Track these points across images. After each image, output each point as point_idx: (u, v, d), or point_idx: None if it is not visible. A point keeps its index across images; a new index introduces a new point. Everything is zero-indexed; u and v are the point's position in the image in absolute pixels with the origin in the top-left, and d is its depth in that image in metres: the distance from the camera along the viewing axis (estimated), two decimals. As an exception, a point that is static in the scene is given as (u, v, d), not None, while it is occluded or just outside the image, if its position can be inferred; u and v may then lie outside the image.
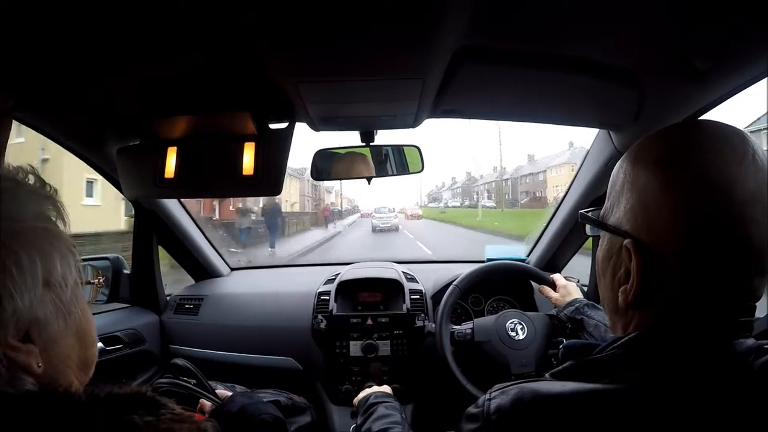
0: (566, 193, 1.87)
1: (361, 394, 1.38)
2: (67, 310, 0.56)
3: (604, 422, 0.51)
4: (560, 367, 0.61)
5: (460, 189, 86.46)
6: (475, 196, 69.18)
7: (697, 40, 0.91)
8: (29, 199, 0.56)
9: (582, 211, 0.70)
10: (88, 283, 0.67)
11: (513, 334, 1.54)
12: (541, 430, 0.54)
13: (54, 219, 0.58)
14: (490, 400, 0.59)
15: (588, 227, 0.70)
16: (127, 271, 1.83)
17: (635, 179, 0.58)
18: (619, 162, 0.63)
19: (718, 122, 0.58)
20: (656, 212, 0.55)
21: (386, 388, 1.42)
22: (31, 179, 0.59)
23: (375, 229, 25.81)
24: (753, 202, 0.51)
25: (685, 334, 0.54)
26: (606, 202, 0.65)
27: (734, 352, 0.53)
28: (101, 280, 0.73)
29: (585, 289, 1.80)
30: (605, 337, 1.26)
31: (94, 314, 1.70)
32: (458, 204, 67.73)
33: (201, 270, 2.19)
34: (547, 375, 0.61)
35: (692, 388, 0.51)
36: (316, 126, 1.35)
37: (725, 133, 0.56)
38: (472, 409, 0.61)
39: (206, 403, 1.23)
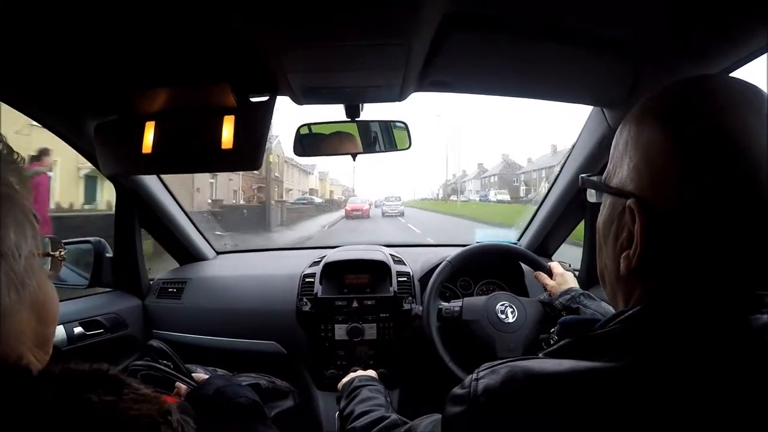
0: (558, 173, 1.83)
1: (346, 378, 1.35)
2: (20, 281, 0.52)
3: (605, 403, 0.46)
4: (556, 346, 0.56)
5: (496, 178, 65.53)
6: (523, 188, 54.21)
7: (694, 12, 0.88)
8: None
9: (583, 175, 0.65)
10: (47, 254, 0.61)
11: (502, 316, 1.51)
12: (534, 413, 0.48)
13: (16, 187, 0.54)
14: (477, 380, 0.53)
15: (589, 193, 0.65)
16: (109, 255, 1.79)
17: (639, 135, 0.53)
18: (620, 125, 0.58)
19: (731, 76, 0.54)
20: (662, 168, 0.50)
21: (371, 372, 1.39)
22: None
23: (384, 214, 30.65)
24: (766, 160, 0.46)
25: (693, 307, 0.49)
26: (608, 166, 0.60)
27: (750, 327, 0.48)
28: (62, 253, 0.68)
29: (577, 274, 1.77)
30: None
31: (75, 299, 1.67)
32: (506, 197, 45.91)
33: (185, 253, 2.15)
34: (540, 354, 0.57)
35: (701, 367, 0.46)
36: (299, 99, 1.31)
37: (739, 86, 0.52)
38: (457, 390, 0.55)
39: (182, 386, 1.21)
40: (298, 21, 0.92)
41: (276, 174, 32.07)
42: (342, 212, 30.48)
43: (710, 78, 0.56)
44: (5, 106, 1.18)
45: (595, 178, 0.63)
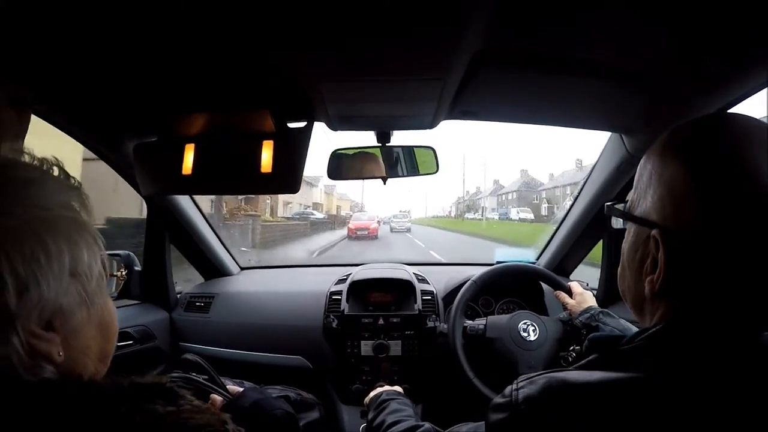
0: (576, 196, 1.87)
1: (372, 393, 1.38)
2: (90, 300, 0.56)
3: (632, 410, 0.51)
4: (584, 360, 0.61)
5: (514, 195, 64.68)
6: (545, 205, 51.92)
7: (707, 44, 0.92)
8: (56, 188, 0.56)
9: (608, 203, 0.70)
10: (112, 275, 0.66)
11: (525, 334, 1.55)
12: (570, 419, 0.54)
13: (80, 209, 0.58)
14: (518, 390, 0.59)
15: (614, 220, 0.70)
16: (138, 268, 1.84)
17: (663, 170, 0.59)
18: (644, 157, 0.64)
19: (741, 114, 0.59)
20: (684, 200, 0.55)
21: (397, 388, 1.43)
22: (56, 171, 0.58)
23: (392, 230, 29.48)
24: None
25: (711, 324, 0.54)
26: (632, 194, 0.65)
27: (760, 344, 0.54)
28: (123, 273, 0.73)
29: (594, 293, 1.80)
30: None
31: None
32: (529, 215, 42.72)
33: (211, 268, 2.20)
34: (571, 368, 0.61)
35: (717, 379, 0.51)
36: (333, 125, 1.36)
37: (753, 123, 0.57)
38: (499, 399, 0.61)
39: (217, 398, 1.22)
40: (339, 55, 0.96)
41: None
42: (345, 231, 25.20)
43: (728, 116, 0.61)
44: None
45: (620, 206, 0.68)
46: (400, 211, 36.30)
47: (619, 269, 0.69)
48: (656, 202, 0.59)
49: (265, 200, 28.43)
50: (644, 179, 0.62)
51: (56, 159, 0.59)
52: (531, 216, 42.08)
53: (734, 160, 0.53)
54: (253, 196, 25.47)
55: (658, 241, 0.57)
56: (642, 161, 0.64)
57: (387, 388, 1.40)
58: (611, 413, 0.52)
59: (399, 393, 1.36)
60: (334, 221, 32.62)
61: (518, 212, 45.15)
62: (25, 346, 0.49)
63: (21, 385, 0.49)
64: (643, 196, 0.62)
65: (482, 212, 51.36)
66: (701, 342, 0.54)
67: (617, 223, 0.70)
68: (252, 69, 1.11)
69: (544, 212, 47.33)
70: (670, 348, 0.55)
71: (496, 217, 48.11)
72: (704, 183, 0.54)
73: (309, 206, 38.98)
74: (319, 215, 32.61)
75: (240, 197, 24.71)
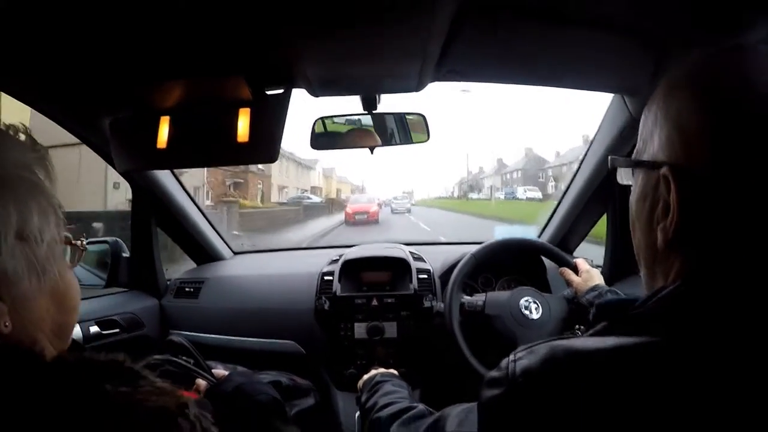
0: (578, 168, 1.80)
1: (366, 376, 1.33)
2: (41, 267, 0.52)
3: (652, 378, 0.43)
4: (592, 330, 0.53)
5: (519, 174, 60.21)
6: (551, 183, 47.61)
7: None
8: (16, 149, 0.54)
9: (612, 156, 0.64)
10: (69, 243, 0.62)
11: (526, 312, 1.48)
12: (579, 394, 0.45)
13: (37, 172, 0.55)
14: (515, 361, 0.51)
15: (619, 174, 0.64)
16: (126, 255, 1.79)
17: (668, 108, 0.52)
18: (646, 106, 0.58)
19: (756, 44, 0.52)
20: (695, 133, 0.49)
21: (392, 371, 1.37)
22: (22, 137, 0.56)
23: (393, 211, 30.07)
24: None
25: (733, 278, 0.46)
26: (637, 145, 0.59)
27: None
28: (84, 242, 0.68)
29: (600, 270, 1.73)
30: None
31: (91, 298, 1.68)
32: (537, 194, 39.56)
33: (203, 253, 2.16)
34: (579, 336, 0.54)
35: (744, 340, 0.43)
36: (315, 91, 1.30)
37: (765, 50, 0.51)
38: (494, 373, 0.52)
39: (202, 383, 1.20)
40: (317, 8, 0.91)
41: (260, 167, 26.44)
42: (326, 223, 21.34)
43: (739, 46, 0.55)
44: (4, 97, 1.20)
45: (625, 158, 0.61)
46: (403, 192, 37.97)
47: (630, 227, 0.61)
48: (664, 142, 0.52)
49: (257, 185, 27.46)
50: (648, 124, 0.56)
51: (24, 126, 0.58)
52: (539, 194, 39.72)
53: (748, 84, 0.47)
54: (242, 181, 25.48)
55: (669, 181, 0.50)
56: (645, 109, 0.58)
57: (382, 370, 1.34)
58: (632, 385, 0.44)
59: (394, 375, 1.30)
60: (331, 205, 30.47)
61: (525, 191, 42.72)
62: None
63: None
64: (649, 140, 0.55)
65: (490, 192, 49.28)
66: (722, 301, 0.46)
67: (625, 176, 0.63)
68: (225, 29, 1.04)
69: (551, 190, 45.20)
70: (687, 309, 0.47)
71: (502, 197, 45.97)
72: (715, 112, 0.48)
73: (306, 190, 37.99)
74: (315, 199, 31.42)
75: (228, 182, 24.48)
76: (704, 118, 0.48)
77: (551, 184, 48.56)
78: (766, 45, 0.56)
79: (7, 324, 0.49)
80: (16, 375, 0.46)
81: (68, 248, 0.63)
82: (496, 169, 71.60)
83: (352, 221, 20.88)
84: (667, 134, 0.52)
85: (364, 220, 20.96)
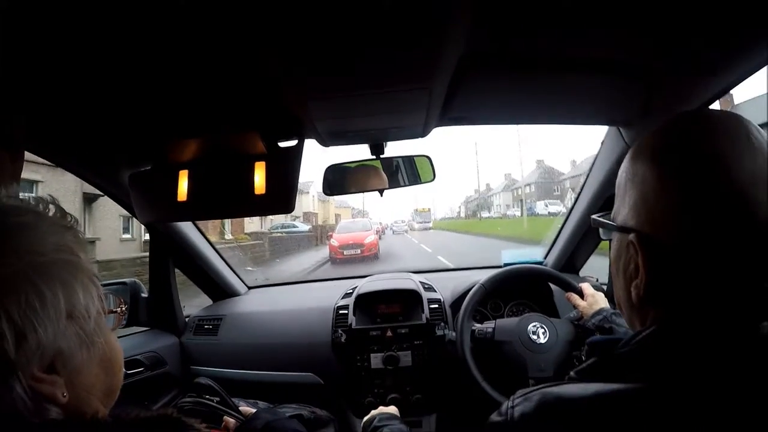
0: (579, 193, 1.85)
1: (367, 417, 1.38)
2: (90, 340, 0.56)
3: (630, 424, 0.50)
4: (584, 365, 0.60)
5: (532, 188, 56.68)
6: (570, 195, 37.41)
7: (699, 30, 0.91)
8: (50, 231, 0.56)
9: (594, 216, 0.70)
10: (111, 312, 0.67)
11: (534, 337, 1.53)
12: None
13: (75, 250, 0.58)
14: (513, 407, 0.57)
15: (601, 231, 0.70)
16: (144, 295, 1.84)
17: (635, 175, 0.59)
18: (622, 164, 0.63)
19: (711, 109, 0.58)
20: (656, 203, 0.55)
21: (392, 409, 1.41)
22: (52, 210, 0.59)
23: (394, 233, 33.40)
24: (754, 183, 0.50)
25: (701, 325, 0.53)
26: (615, 204, 0.65)
27: (760, 336, 0.51)
28: (124, 308, 0.73)
29: (605, 288, 1.78)
30: None
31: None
32: (559, 208, 35.76)
33: (218, 290, 2.20)
34: (571, 373, 0.60)
35: (717, 379, 0.49)
36: (325, 142, 1.35)
37: (718, 117, 0.56)
38: (495, 417, 0.59)
39: (230, 421, 1.23)
40: (324, 71, 0.95)
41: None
42: (314, 257, 16.91)
43: (692, 114, 0.61)
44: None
45: (603, 218, 0.67)
46: (417, 211, 40.06)
47: (612, 279, 0.68)
48: (632, 209, 0.59)
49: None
50: (621, 185, 0.62)
51: (52, 197, 0.60)
52: (562, 208, 33.79)
53: (699, 156, 0.53)
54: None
55: (636, 246, 0.56)
56: (621, 168, 0.64)
57: (382, 410, 1.39)
58: (608, 428, 0.51)
59: (393, 416, 1.35)
60: (320, 234, 25.53)
61: (546, 205, 39.89)
62: (28, 391, 0.50)
63: (26, 427, 0.51)
64: (622, 204, 0.62)
65: (521, 207, 41.66)
66: (693, 343, 0.52)
67: (604, 234, 0.69)
68: (239, 90, 1.11)
69: (570, 203, 43.26)
70: (662, 352, 0.54)
71: (518, 214, 41.32)
72: (671, 184, 0.54)
73: (298, 217, 32.48)
74: (302, 227, 26.37)
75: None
76: (663, 191, 0.54)
77: (570, 196, 42.35)
78: (716, 109, 0.61)
79: (64, 394, 0.54)
80: None
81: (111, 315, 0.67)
82: (505, 186, 67.31)
83: (340, 258, 15.30)
84: (635, 201, 0.58)
85: (358, 256, 15.12)
